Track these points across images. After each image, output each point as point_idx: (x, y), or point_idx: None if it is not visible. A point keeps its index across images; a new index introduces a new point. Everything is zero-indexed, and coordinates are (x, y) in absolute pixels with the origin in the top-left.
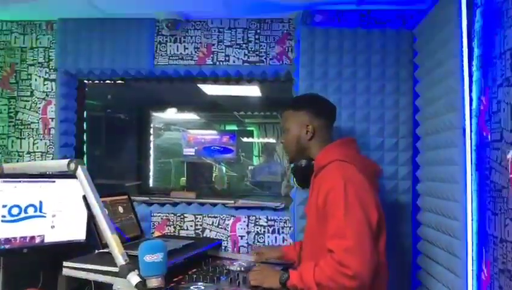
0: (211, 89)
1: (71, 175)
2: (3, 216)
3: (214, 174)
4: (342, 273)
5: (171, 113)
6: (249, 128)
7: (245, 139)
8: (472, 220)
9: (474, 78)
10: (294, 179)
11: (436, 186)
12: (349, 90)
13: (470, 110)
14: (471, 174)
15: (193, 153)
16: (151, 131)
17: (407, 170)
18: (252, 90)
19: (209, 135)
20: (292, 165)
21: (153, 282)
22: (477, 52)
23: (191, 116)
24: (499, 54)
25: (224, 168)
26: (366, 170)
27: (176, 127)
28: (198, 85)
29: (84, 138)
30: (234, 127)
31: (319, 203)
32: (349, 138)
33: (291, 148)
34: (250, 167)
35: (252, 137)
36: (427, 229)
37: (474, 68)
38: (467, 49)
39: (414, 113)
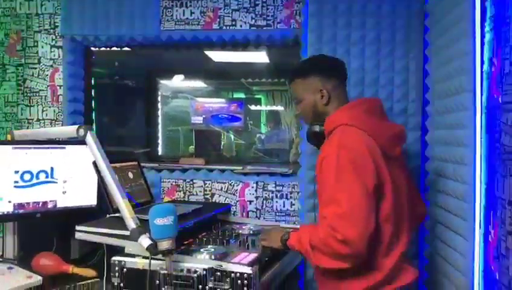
0: (218, 56)
1: (81, 141)
2: (16, 182)
3: (222, 142)
4: (333, 237)
5: (178, 81)
6: (256, 96)
7: (253, 107)
8: (481, 183)
9: (486, 40)
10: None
11: (445, 150)
12: (358, 54)
13: (481, 72)
14: (481, 137)
15: (201, 122)
16: (159, 98)
17: (417, 134)
18: (260, 57)
19: (217, 103)
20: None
21: (164, 244)
22: (489, 12)
23: (198, 84)
24: None
25: (232, 136)
26: (380, 133)
27: (184, 95)
28: (205, 52)
29: (93, 105)
30: (242, 95)
31: (317, 172)
32: (362, 98)
33: (308, 117)
34: (258, 135)
35: (260, 105)
36: (436, 193)
37: (486, 29)
38: (479, 10)
39: (424, 78)
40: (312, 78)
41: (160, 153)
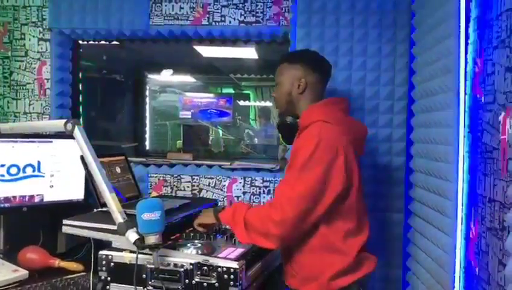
0: (207, 51)
1: (68, 135)
2: (2, 175)
3: (210, 137)
4: (270, 215)
5: (166, 76)
6: (245, 92)
7: (241, 103)
8: (463, 181)
9: (470, 40)
10: (280, 135)
11: (429, 148)
12: (346, 52)
13: (465, 72)
14: (464, 136)
15: (189, 116)
16: (147, 93)
17: (402, 132)
18: (249, 52)
19: (206, 98)
20: (278, 121)
21: (151, 239)
22: (474, 13)
23: (187, 78)
24: (495, 15)
25: (220, 131)
26: (352, 132)
27: (172, 90)
28: (194, 47)
29: (80, 99)
30: (231, 90)
31: (290, 159)
32: (337, 97)
33: (281, 102)
34: (246, 131)
35: (249, 100)
36: (419, 190)
37: (470, 30)
38: (464, 11)
39: (410, 76)
40: (297, 66)
41: (147, 148)
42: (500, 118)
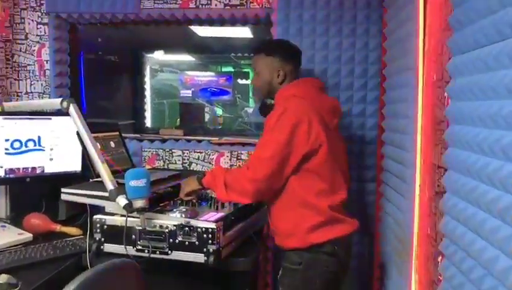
0: (202, 31)
1: (65, 113)
2: (6, 149)
3: (207, 115)
4: (245, 174)
5: (165, 55)
6: (244, 70)
7: (241, 81)
8: (419, 150)
9: (427, 23)
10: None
11: (395, 122)
12: (322, 33)
13: (423, 52)
14: (420, 110)
15: (190, 95)
16: (146, 72)
17: (374, 107)
18: (243, 32)
19: (206, 76)
20: (259, 104)
21: (138, 203)
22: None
23: (186, 57)
24: None
25: (218, 109)
26: (320, 105)
27: (171, 69)
28: (190, 27)
29: (79, 79)
30: (230, 69)
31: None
32: (308, 78)
33: (262, 91)
34: (245, 109)
35: (248, 79)
36: (388, 160)
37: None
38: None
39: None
40: (274, 58)
41: (147, 126)
42: (445, 94)
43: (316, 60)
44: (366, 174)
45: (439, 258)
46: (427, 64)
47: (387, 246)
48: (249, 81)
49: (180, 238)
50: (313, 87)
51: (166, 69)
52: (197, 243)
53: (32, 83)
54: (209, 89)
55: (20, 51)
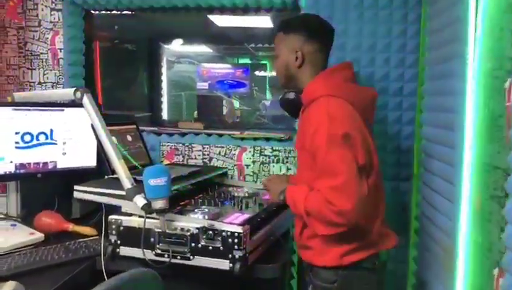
0: (221, 20)
1: (79, 104)
2: (17, 142)
3: (225, 108)
4: (329, 210)
5: (182, 46)
6: (262, 62)
7: (258, 73)
8: (469, 148)
9: (479, 6)
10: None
11: (438, 117)
12: (356, 19)
13: (474, 38)
14: (471, 103)
15: (206, 87)
16: (163, 63)
17: (412, 100)
18: (264, 21)
19: (223, 68)
20: (280, 97)
21: (158, 204)
22: None
23: (203, 48)
24: None
25: (235, 102)
26: (358, 99)
27: (188, 60)
28: (209, 16)
29: (95, 69)
30: (247, 61)
31: (306, 145)
32: (339, 65)
33: (280, 76)
34: (262, 101)
35: (265, 71)
36: (428, 158)
37: None
38: None
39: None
40: (294, 35)
41: (163, 118)
42: (506, 85)
43: (348, 48)
44: (401, 172)
45: (495, 272)
46: (480, 52)
47: (425, 252)
48: (266, 73)
49: (203, 243)
50: (345, 82)
51: (183, 60)
52: (221, 248)
53: (46, 72)
54: (225, 82)
55: (33, 38)
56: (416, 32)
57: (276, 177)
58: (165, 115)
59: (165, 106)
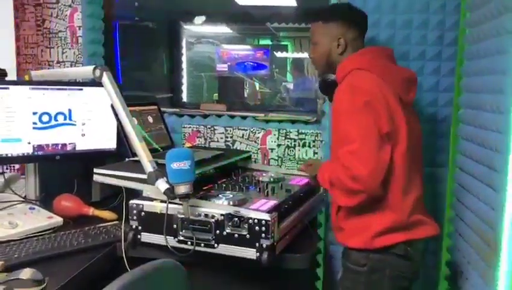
0: None
1: (99, 83)
2: (34, 123)
3: (246, 90)
4: (345, 175)
5: (202, 26)
6: (283, 43)
7: (279, 54)
8: None
9: None
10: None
11: (478, 98)
12: (390, 5)
13: None
14: None
15: (226, 69)
16: (183, 44)
17: (450, 80)
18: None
19: (243, 50)
20: (319, 79)
21: (181, 189)
22: None
23: (223, 29)
24: None
25: (257, 84)
26: (392, 77)
27: (208, 40)
28: None
29: (115, 48)
30: (268, 42)
31: (331, 115)
32: (374, 46)
33: (321, 64)
34: (283, 84)
35: (286, 52)
36: (467, 143)
37: None
38: None
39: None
40: (334, 24)
41: (184, 100)
42: None
43: (382, 25)
44: (437, 158)
45: None
46: None
47: (461, 242)
48: (288, 55)
49: (228, 230)
50: (380, 58)
51: (204, 40)
52: (248, 236)
53: (64, 51)
54: (245, 63)
55: (51, 16)
56: (455, 7)
57: (313, 161)
58: (185, 96)
59: (185, 88)
